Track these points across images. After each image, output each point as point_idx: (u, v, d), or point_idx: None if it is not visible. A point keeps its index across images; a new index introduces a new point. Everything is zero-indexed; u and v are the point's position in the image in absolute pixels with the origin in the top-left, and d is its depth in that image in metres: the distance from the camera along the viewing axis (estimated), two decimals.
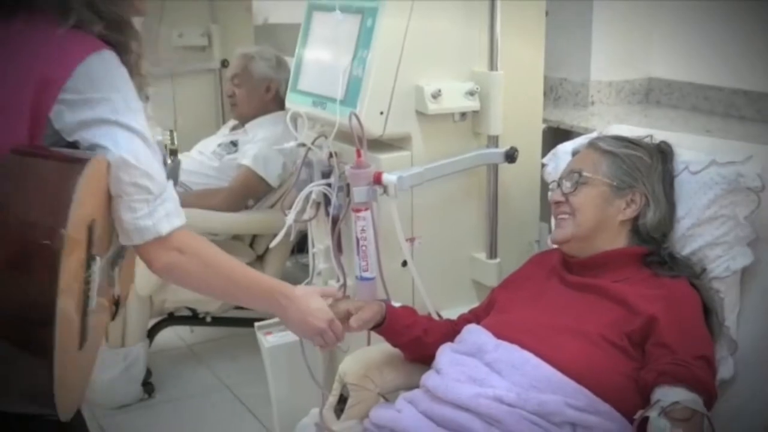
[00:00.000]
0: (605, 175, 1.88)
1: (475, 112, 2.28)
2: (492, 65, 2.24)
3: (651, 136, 2.00)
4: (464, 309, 2.12)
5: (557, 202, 1.93)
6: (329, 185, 2.29)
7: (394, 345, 1.98)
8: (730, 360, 1.78)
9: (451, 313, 2.13)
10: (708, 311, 1.81)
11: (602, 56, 3.07)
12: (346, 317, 1.85)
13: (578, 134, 2.36)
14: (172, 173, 1.61)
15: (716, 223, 1.86)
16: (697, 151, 1.96)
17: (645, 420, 1.56)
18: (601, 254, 1.87)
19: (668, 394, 1.57)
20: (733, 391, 1.77)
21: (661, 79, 3.10)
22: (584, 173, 1.89)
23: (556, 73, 3.07)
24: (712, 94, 2.90)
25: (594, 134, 2.19)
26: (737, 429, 1.73)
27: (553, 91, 3.16)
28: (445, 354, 1.84)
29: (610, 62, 3.08)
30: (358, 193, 2.06)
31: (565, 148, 2.18)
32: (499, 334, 1.81)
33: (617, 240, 1.89)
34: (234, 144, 3.34)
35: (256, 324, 2.59)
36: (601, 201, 1.87)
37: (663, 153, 1.96)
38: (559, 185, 1.94)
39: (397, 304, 2.16)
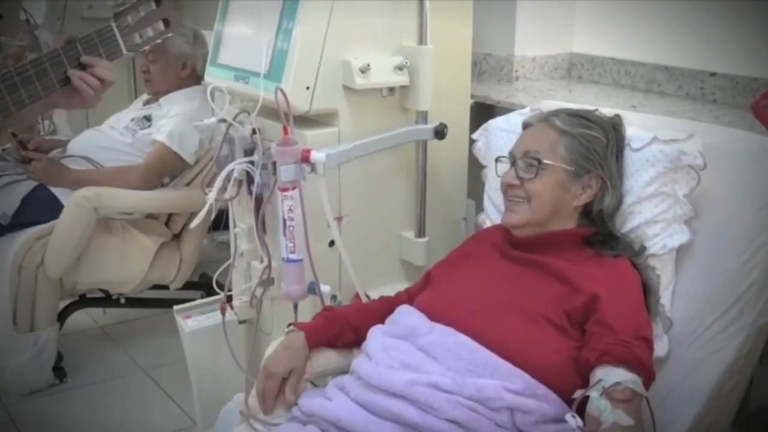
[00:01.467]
0: (563, 160, 1.80)
1: (403, 87, 2.21)
2: (421, 39, 2.17)
3: (597, 110, 1.93)
4: (393, 289, 2.06)
5: (511, 185, 1.85)
6: (252, 163, 2.21)
7: None
8: (665, 338, 1.77)
9: (380, 293, 2.06)
10: (646, 290, 1.78)
11: (526, 32, 3.04)
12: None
13: (504, 110, 2.32)
14: None
15: (656, 200, 1.84)
16: (637, 127, 1.92)
17: (584, 401, 1.53)
18: (548, 234, 1.82)
19: (609, 375, 1.54)
20: (668, 368, 1.76)
21: (583, 55, 3.08)
22: (544, 161, 1.80)
23: (480, 48, 3.02)
24: (633, 70, 2.89)
25: (527, 109, 2.14)
26: (671, 407, 1.72)
27: (477, 66, 3.11)
28: (375, 337, 1.78)
29: (534, 38, 3.05)
30: (286, 171, 1.97)
31: (498, 124, 2.13)
32: (433, 315, 1.75)
33: (568, 222, 1.84)
34: (147, 119, 3.20)
35: (175, 307, 2.50)
36: (559, 188, 1.81)
37: (616, 130, 1.90)
38: (513, 166, 1.85)
39: (325, 288, 2.09)
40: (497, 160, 1.93)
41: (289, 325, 1.91)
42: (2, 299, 2.87)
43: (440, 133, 2.22)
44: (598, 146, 1.84)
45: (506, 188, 1.86)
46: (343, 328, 1.88)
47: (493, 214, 2.12)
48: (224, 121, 2.23)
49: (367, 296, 2.16)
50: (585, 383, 1.58)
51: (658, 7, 2.77)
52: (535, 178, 1.79)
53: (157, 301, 3.32)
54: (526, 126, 1.94)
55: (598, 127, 1.86)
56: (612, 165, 1.85)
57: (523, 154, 1.83)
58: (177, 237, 3.20)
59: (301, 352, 1.83)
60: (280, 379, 1.79)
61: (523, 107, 2.27)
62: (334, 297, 2.19)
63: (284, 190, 1.98)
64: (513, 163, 1.84)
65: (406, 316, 1.79)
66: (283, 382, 1.79)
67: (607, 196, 1.84)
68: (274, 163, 2.02)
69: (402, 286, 2.08)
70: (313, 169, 1.99)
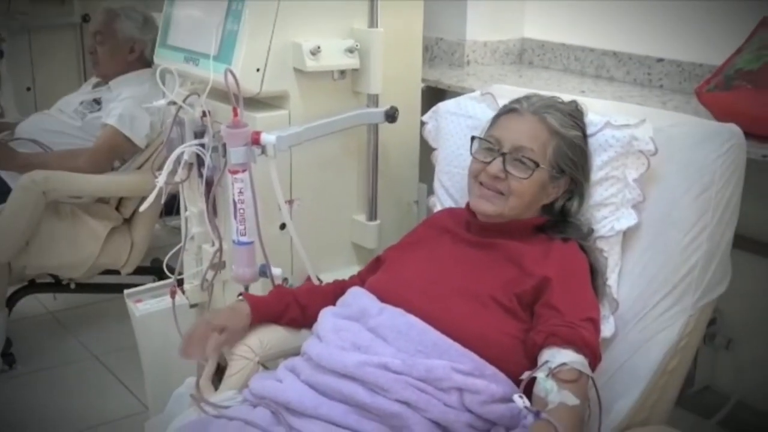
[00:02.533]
0: (549, 163, 1.78)
1: (354, 71, 2.20)
2: (372, 22, 2.16)
3: (560, 98, 1.91)
4: (344, 272, 2.06)
5: (495, 177, 1.78)
6: (203, 146, 2.19)
7: None
8: (612, 319, 1.78)
9: (332, 277, 2.06)
10: (594, 272, 1.79)
11: (477, 16, 3.04)
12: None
13: (456, 94, 2.32)
14: None
15: (606, 184, 1.85)
16: (591, 111, 1.92)
17: (532, 381, 1.55)
18: (508, 222, 1.81)
19: (556, 356, 1.56)
20: (613, 348, 1.77)
21: (533, 40, 3.09)
22: (542, 165, 1.76)
23: (431, 32, 3.02)
24: (582, 55, 2.91)
25: (476, 93, 2.13)
26: (616, 386, 1.74)
27: (428, 51, 3.11)
28: (326, 319, 1.77)
29: (485, 22, 3.05)
30: (236, 154, 1.95)
31: (447, 107, 2.12)
32: (384, 297, 1.75)
33: (531, 214, 1.83)
34: (97, 102, 3.15)
35: (126, 291, 2.47)
36: (539, 188, 1.79)
37: (583, 121, 1.88)
38: (502, 158, 1.78)
39: (277, 271, 2.09)
40: (474, 138, 1.86)
41: (239, 294, 1.93)
42: None
43: (391, 116, 2.21)
44: (580, 152, 1.83)
45: (485, 177, 1.80)
46: (289, 305, 1.89)
47: (443, 197, 2.12)
48: (174, 103, 2.21)
49: (319, 279, 2.15)
50: (533, 364, 1.60)
51: None
52: (526, 179, 1.77)
53: (108, 287, 3.27)
54: (510, 110, 1.86)
55: (579, 125, 1.85)
56: (586, 166, 1.85)
57: (514, 148, 1.78)
58: (128, 221, 3.15)
59: (242, 318, 1.85)
60: (210, 330, 1.81)
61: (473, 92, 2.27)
62: (285, 280, 2.19)
63: (234, 172, 1.96)
64: (501, 154, 1.78)
65: (357, 297, 1.79)
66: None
67: (576, 198, 1.84)
68: (225, 146, 2.00)
69: (354, 269, 2.09)
70: (264, 151, 1.98)
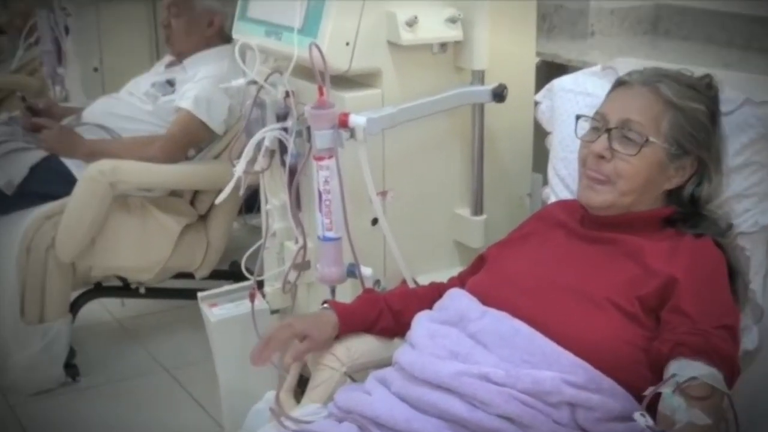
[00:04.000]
0: (665, 139, 1.82)
1: (457, 43, 2.25)
2: None
3: (690, 71, 1.94)
4: (445, 274, 2.12)
5: (600, 157, 1.83)
6: (285, 130, 2.27)
7: None
8: (755, 329, 1.79)
9: (429, 280, 2.13)
10: (733, 274, 1.81)
11: None
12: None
13: (577, 69, 2.35)
14: None
15: (746, 171, 1.87)
16: (728, 86, 1.94)
17: (656, 398, 1.57)
18: (628, 214, 1.85)
19: (685, 368, 1.57)
20: (757, 364, 1.78)
21: (671, 6, 3.08)
22: (651, 138, 1.80)
23: None
24: (730, 23, 2.89)
25: (597, 68, 2.17)
26: (759, 407, 1.74)
27: (546, 20, 3.14)
28: (421, 325, 1.84)
29: None
30: (321, 138, 2.03)
31: (563, 85, 2.16)
32: (486, 299, 1.81)
33: (653, 204, 1.87)
34: (171, 83, 3.29)
35: (200, 294, 2.58)
36: (656, 170, 1.82)
37: (715, 97, 1.91)
38: (607, 134, 1.83)
39: (367, 271, 2.16)
40: (578, 117, 1.93)
41: (324, 302, 2.00)
42: (8, 286, 2.97)
43: (499, 95, 2.26)
44: (702, 126, 1.86)
45: (591, 159, 1.85)
46: (381, 312, 1.96)
47: (558, 188, 2.17)
48: (255, 83, 2.31)
49: (415, 282, 2.22)
50: (658, 378, 1.61)
51: None
52: (634, 157, 1.81)
53: (180, 292, 3.40)
54: (620, 84, 1.92)
55: (703, 98, 1.88)
56: (714, 149, 1.87)
57: (621, 122, 1.83)
58: (203, 218, 3.28)
59: (327, 328, 1.92)
60: (292, 335, 1.89)
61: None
62: (377, 282, 2.26)
63: (320, 159, 2.04)
64: (607, 131, 1.84)
65: (456, 299, 1.86)
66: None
67: (706, 182, 1.87)
68: (309, 129, 2.09)
69: (456, 271, 2.14)
70: (353, 135, 2.05)
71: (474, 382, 1.65)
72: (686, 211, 1.87)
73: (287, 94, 2.25)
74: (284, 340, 1.90)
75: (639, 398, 1.61)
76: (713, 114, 1.88)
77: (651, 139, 1.80)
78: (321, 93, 2.03)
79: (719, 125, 1.90)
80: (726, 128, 1.89)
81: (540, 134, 2.35)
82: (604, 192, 1.83)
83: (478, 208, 2.39)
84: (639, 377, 1.65)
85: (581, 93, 2.11)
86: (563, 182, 2.16)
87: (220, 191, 2.33)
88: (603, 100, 1.92)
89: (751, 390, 1.75)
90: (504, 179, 2.45)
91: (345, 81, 2.23)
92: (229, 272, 3.44)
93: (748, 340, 1.78)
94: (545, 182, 2.26)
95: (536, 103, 2.26)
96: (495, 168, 2.40)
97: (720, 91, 1.91)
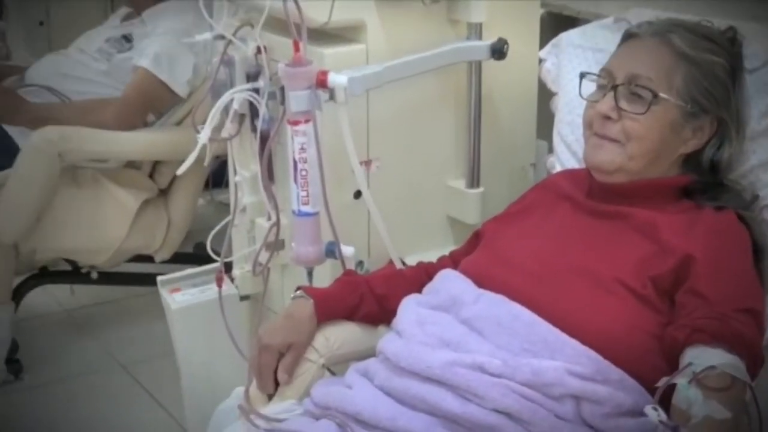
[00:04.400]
0: (679, 95, 1.85)
1: None
2: None
3: (710, 22, 1.97)
4: (436, 254, 2.15)
5: (606, 118, 1.87)
6: (257, 91, 2.30)
7: None
8: None
9: (419, 260, 2.15)
10: (758, 252, 1.85)
11: None
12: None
13: (586, 21, 2.37)
14: None
15: None
16: (754, 41, 1.97)
17: (670, 389, 1.59)
18: (641, 182, 1.89)
19: (702, 357, 1.59)
20: None
21: None
22: (660, 93, 1.83)
23: None
24: None
25: (609, 20, 2.20)
26: None
27: None
28: (408, 310, 1.87)
29: None
30: (296, 99, 2.05)
31: (571, 39, 2.19)
32: (481, 281, 1.85)
33: (669, 171, 1.90)
34: (127, 39, 3.30)
35: (160, 279, 2.61)
36: (669, 131, 1.85)
37: (738, 52, 1.94)
38: (613, 91, 1.86)
39: (348, 250, 2.19)
40: (583, 76, 1.96)
41: (298, 288, 2.01)
42: None
43: (499, 51, 2.28)
44: (721, 82, 1.89)
45: (597, 120, 1.88)
46: (363, 297, 1.99)
47: (564, 156, 2.20)
48: (222, 37, 2.33)
49: (403, 263, 2.24)
50: (673, 368, 1.64)
51: None
52: (643, 115, 1.84)
53: (138, 277, 3.41)
54: (628, 37, 1.96)
55: (722, 51, 1.91)
56: (734, 108, 1.90)
57: (628, 78, 1.86)
58: (164, 193, 3.30)
59: (305, 324, 1.94)
60: (276, 353, 1.90)
61: None
62: (360, 264, 2.29)
63: (295, 123, 2.06)
64: (613, 88, 1.87)
65: (448, 281, 1.89)
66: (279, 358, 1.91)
67: (727, 145, 1.90)
68: (283, 90, 2.11)
69: (448, 250, 2.16)
70: (332, 96, 2.08)
71: (467, 372, 1.68)
72: (706, 180, 1.90)
73: (259, 50, 2.27)
74: (273, 365, 1.92)
75: (651, 390, 1.64)
76: (734, 70, 1.91)
77: (662, 95, 1.83)
78: (297, 49, 2.04)
79: (743, 83, 1.93)
80: (751, 87, 1.92)
81: (545, 96, 2.37)
82: (612, 151, 1.86)
83: (474, 180, 2.42)
84: (652, 367, 1.68)
85: (591, 48, 2.14)
86: (570, 149, 2.19)
87: (182, 162, 2.35)
88: (610, 56, 1.95)
89: None
90: (504, 147, 2.49)
91: (324, 35, 2.25)
92: (194, 255, 3.46)
93: None
94: (551, 150, 2.28)
95: (540, 61, 2.28)
96: (494, 134, 2.43)
97: (745, 45, 1.94)
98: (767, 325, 1.77)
